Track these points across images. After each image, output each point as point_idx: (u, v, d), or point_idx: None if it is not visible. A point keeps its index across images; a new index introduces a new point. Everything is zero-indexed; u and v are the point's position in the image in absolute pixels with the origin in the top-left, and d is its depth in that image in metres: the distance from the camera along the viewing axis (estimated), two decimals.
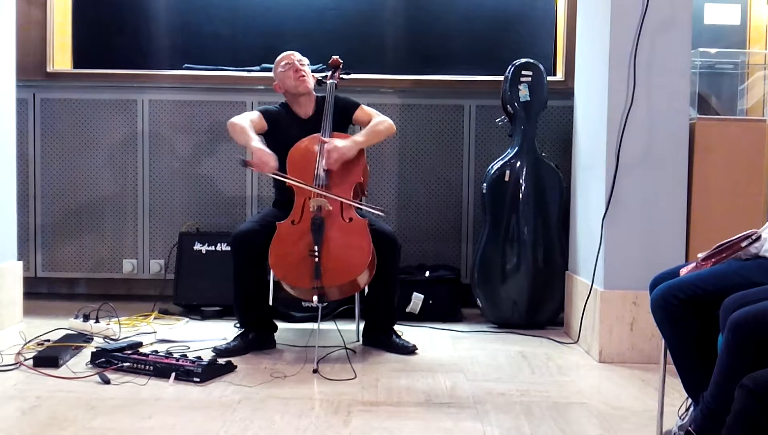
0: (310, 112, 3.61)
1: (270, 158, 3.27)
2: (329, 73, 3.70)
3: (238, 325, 3.51)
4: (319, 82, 3.66)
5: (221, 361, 3.03)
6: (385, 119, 3.54)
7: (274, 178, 3.60)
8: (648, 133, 3.30)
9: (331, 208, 3.28)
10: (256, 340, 3.40)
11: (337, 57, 3.74)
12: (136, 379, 2.88)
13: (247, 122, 3.42)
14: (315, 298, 3.13)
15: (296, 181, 3.34)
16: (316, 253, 3.13)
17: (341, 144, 3.36)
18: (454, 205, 4.48)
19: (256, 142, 3.32)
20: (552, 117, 4.38)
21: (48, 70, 4.52)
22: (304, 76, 3.54)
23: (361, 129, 3.56)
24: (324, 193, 3.27)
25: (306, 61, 3.62)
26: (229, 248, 4.16)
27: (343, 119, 3.58)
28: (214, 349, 3.30)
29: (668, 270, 2.34)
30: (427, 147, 4.48)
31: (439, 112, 4.47)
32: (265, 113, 3.58)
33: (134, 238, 4.48)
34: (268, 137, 3.62)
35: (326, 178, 3.34)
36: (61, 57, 4.59)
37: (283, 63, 3.58)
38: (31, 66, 4.46)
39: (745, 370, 1.71)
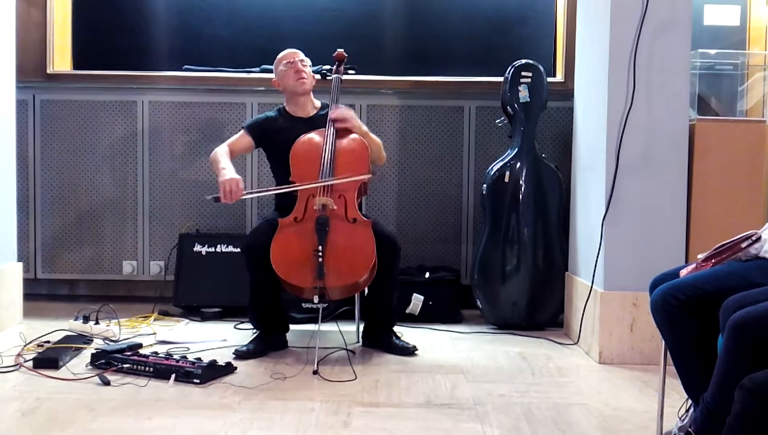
0: (311, 113, 3.61)
1: (234, 183, 3.24)
2: (334, 67, 3.68)
3: (252, 327, 3.50)
4: (324, 76, 3.65)
5: (221, 362, 3.03)
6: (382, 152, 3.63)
7: (275, 178, 3.61)
8: (648, 134, 3.30)
9: (335, 207, 3.26)
10: (272, 341, 3.40)
11: (342, 50, 3.71)
12: (136, 380, 2.88)
13: (224, 149, 3.44)
14: (316, 297, 3.11)
15: (275, 186, 3.42)
16: (320, 254, 3.11)
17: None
18: (454, 206, 4.48)
19: (222, 174, 3.29)
20: (552, 118, 4.38)
21: (48, 71, 4.52)
22: (304, 78, 3.54)
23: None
24: (327, 182, 3.27)
25: (308, 61, 3.61)
26: (229, 250, 4.22)
27: None
28: (235, 352, 3.27)
29: (668, 271, 2.34)
30: (427, 148, 4.48)
31: (438, 113, 4.47)
32: (249, 128, 3.59)
33: (134, 240, 4.47)
34: (265, 145, 3.62)
35: (331, 173, 3.32)
36: (61, 58, 4.59)
37: (284, 62, 3.58)
38: (31, 67, 4.46)
39: (745, 371, 1.71)
